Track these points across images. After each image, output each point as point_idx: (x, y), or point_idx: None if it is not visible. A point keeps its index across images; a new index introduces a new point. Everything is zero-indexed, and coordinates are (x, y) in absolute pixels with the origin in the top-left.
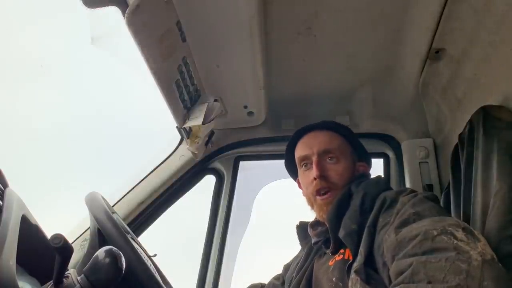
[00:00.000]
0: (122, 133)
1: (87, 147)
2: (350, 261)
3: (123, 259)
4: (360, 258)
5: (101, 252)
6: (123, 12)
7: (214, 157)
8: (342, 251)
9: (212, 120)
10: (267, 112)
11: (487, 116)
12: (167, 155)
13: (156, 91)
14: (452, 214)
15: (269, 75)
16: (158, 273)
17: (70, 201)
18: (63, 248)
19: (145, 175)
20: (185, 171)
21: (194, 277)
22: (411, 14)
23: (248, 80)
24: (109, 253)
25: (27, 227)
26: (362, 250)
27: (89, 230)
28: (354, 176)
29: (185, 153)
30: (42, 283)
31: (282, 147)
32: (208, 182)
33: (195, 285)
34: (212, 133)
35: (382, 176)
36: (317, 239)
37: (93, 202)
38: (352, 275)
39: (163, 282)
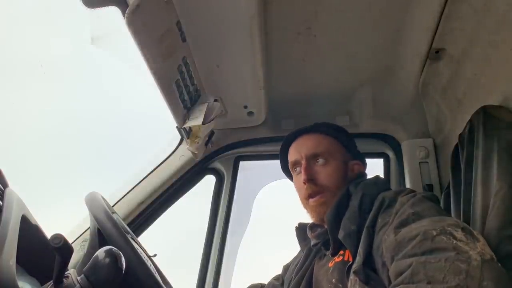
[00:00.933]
0: (122, 133)
1: (87, 147)
2: (350, 262)
3: (123, 259)
4: (359, 259)
5: (101, 252)
6: (123, 12)
7: (214, 157)
8: (341, 252)
9: (212, 120)
10: (267, 112)
11: (487, 116)
12: (167, 155)
13: (156, 91)
14: (452, 214)
15: (269, 75)
16: (158, 273)
17: (70, 201)
18: (63, 248)
19: (145, 175)
20: (185, 171)
21: (194, 277)
22: (411, 14)
23: (248, 80)
24: (109, 253)
25: (27, 227)
26: (361, 250)
27: (89, 230)
28: (347, 175)
29: (185, 153)
30: (42, 283)
31: None
32: (208, 182)
33: (195, 285)
34: (212, 133)
35: (382, 176)
36: (316, 240)
37: (93, 202)
38: (351, 276)
39: (163, 282)
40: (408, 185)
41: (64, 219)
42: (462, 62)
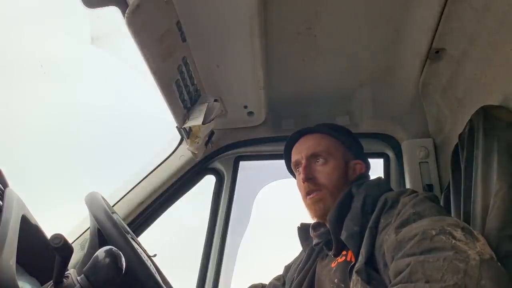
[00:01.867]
0: (122, 133)
1: (87, 147)
2: (353, 262)
3: (123, 259)
4: (361, 259)
5: (101, 252)
6: (123, 12)
7: (214, 157)
8: (344, 252)
9: (212, 120)
10: (267, 112)
11: (487, 116)
12: (167, 155)
13: (156, 91)
14: (452, 214)
15: (269, 75)
16: (158, 273)
17: (70, 201)
18: (63, 248)
19: (145, 175)
20: (185, 171)
21: (194, 277)
22: (411, 14)
23: (248, 80)
24: (109, 253)
25: (27, 227)
26: (363, 250)
27: (89, 230)
28: (347, 175)
29: (185, 153)
30: (42, 283)
31: (282, 147)
32: (208, 182)
33: (195, 285)
34: (212, 133)
35: (382, 176)
36: (318, 240)
37: (93, 202)
38: (353, 276)
39: (163, 282)
40: (408, 185)
41: (64, 219)
42: (462, 62)
